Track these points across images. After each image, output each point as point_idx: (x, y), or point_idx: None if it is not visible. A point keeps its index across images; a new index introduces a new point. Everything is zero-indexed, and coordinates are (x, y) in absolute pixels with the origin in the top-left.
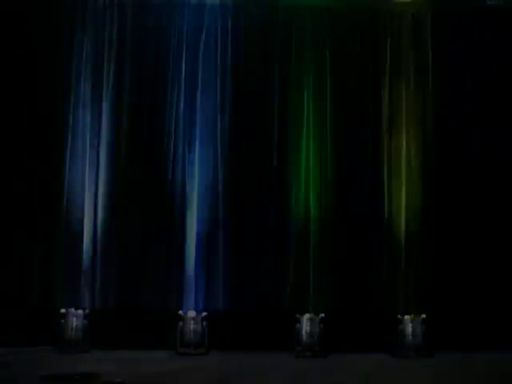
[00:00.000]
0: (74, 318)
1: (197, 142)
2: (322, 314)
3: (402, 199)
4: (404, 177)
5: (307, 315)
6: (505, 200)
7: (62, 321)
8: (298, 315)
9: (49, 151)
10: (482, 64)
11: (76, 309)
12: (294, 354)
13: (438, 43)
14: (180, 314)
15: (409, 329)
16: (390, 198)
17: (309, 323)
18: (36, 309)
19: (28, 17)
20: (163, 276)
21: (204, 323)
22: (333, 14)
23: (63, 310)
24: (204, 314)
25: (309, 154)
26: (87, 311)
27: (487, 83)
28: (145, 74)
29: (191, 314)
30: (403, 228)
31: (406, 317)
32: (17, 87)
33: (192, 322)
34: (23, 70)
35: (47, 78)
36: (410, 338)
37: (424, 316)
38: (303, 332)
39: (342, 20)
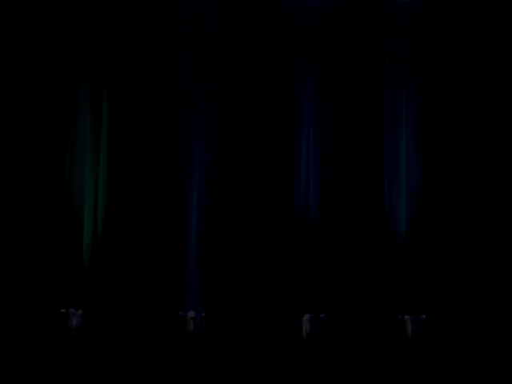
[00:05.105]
0: (74, 318)
1: (197, 142)
2: (322, 314)
3: (401, 199)
4: (404, 176)
5: (307, 315)
6: (507, 200)
7: (62, 321)
8: (297, 315)
9: (49, 151)
10: (483, 63)
11: (76, 309)
12: (294, 354)
13: (438, 43)
14: (180, 314)
15: (409, 329)
16: (390, 198)
17: (309, 323)
18: (36, 309)
19: (27, 16)
20: (163, 276)
21: (204, 323)
22: (333, 14)
23: (63, 310)
24: (204, 314)
25: (309, 154)
26: (87, 311)
27: (489, 82)
28: (145, 74)
29: (191, 314)
30: (403, 228)
31: (406, 317)
32: (16, 86)
33: (192, 322)
34: (23, 69)
35: (47, 77)
36: (410, 338)
37: (424, 316)
38: (303, 332)
39: (343, 20)
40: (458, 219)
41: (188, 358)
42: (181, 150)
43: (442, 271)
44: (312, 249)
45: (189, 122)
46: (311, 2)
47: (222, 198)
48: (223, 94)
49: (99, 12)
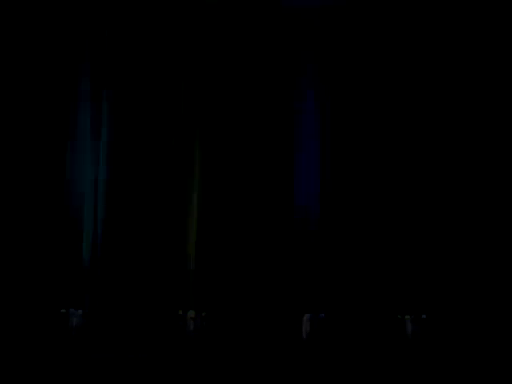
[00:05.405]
0: (74, 318)
1: (198, 142)
2: (322, 314)
3: (400, 198)
4: (404, 176)
5: (307, 315)
6: (508, 200)
7: (62, 321)
8: (298, 315)
9: (49, 150)
10: (482, 62)
11: (76, 309)
12: (294, 354)
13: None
14: (180, 314)
15: (409, 329)
16: (391, 197)
17: (309, 323)
18: (36, 309)
19: (27, 16)
20: (163, 276)
21: (204, 323)
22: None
23: (63, 310)
24: (204, 314)
25: (309, 154)
26: (87, 311)
27: (486, 81)
28: (145, 73)
29: (191, 314)
30: (401, 227)
31: (406, 317)
32: (16, 86)
33: (192, 322)
34: (23, 69)
35: (47, 77)
36: (410, 338)
37: (424, 316)
38: (303, 332)
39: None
40: (458, 219)
41: (188, 358)
42: (181, 150)
43: (442, 271)
44: (312, 249)
45: (189, 122)
46: None
47: (223, 198)
48: (224, 93)
49: (99, 12)
